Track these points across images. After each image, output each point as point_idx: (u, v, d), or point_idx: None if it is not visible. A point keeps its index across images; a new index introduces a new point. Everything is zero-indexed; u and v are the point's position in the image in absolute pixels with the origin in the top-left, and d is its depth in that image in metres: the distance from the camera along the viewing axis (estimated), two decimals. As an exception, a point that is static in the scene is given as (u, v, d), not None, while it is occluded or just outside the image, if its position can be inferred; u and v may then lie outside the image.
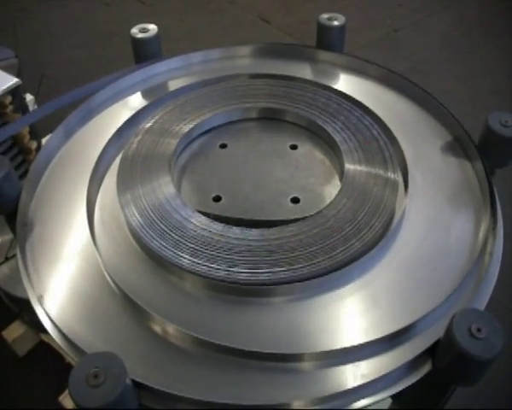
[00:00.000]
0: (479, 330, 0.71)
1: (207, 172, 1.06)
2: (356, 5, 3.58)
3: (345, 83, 1.27)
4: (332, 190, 1.02)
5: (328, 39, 1.31)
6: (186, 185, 1.03)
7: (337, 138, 1.08)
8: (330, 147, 1.10)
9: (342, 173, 1.02)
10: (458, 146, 1.10)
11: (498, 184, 1.01)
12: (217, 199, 1.00)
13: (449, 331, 0.72)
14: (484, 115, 1.02)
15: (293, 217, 0.96)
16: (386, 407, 1.13)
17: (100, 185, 1.05)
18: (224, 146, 1.12)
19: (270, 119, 1.17)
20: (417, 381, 0.76)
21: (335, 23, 1.29)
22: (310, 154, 1.10)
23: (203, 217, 0.93)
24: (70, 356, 0.78)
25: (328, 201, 0.99)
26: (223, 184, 1.03)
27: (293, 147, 1.12)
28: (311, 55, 1.33)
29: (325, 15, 1.30)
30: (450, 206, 0.99)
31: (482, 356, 0.69)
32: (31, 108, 1.77)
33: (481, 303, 0.84)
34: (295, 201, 1.00)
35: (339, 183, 1.03)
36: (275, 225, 0.93)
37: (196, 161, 1.09)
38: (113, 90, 1.23)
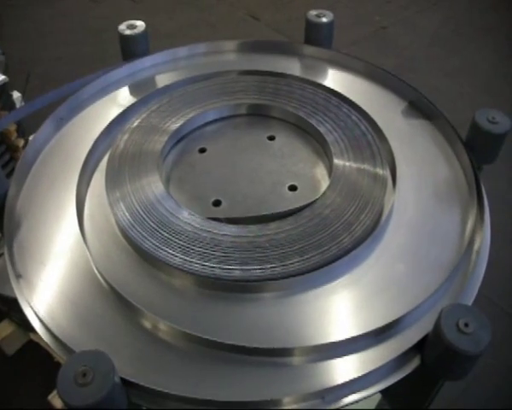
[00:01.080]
0: (466, 325, 0.71)
1: (198, 180, 1.04)
2: (344, 2, 3.59)
3: (310, 70, 1.29)
4: (323, 171, 1.05)
5: (316, 36, 1.31)
6: (181, 196, 1.00)
7: (312, 121, 1.10)
8: (307, 132, 1.12)
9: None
10: (446, 142, 1.10)
11: (486, 180, 1.02)
12: (216, 203, 0.99)
13: (437, 326, 0.72)
14: (472, 112, 1.03)
15: (297, 205, 0.96)
16: (376, 402, 1.14)
17: (89, 182, 1.04)
18: (203, 150, 1.10)
19: (241, 115, 1.17)
20: (406, 376, 0.77)
21: (324, 20, 1.29)
22: (289, 142, 1.12)
23: (192, 214, 0.93)
24: (58, 355, 0.78)
25: (322, 183, 1.01)
26: (217, 188, 1.02)
27: (271, 138, 1.13)
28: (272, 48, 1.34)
29: (313, 12, 1.30)
30: (437, 202, 0.99)
31: (470, 351, 0.70)
32: (18, 105, 1.76)
33: (469, 298, 0.84)
34: (293, 188, 1.01)
35: (327, 164, 1.06)
36: (289, 215, 0.94)
37: (182, 171, 1.06)
38: (101, 84, 1.23)
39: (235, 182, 1.03)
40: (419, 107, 1.17)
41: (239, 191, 1.01)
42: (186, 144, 1.12)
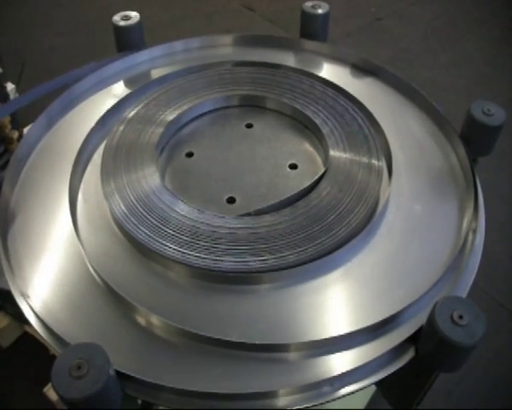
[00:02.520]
0: (461, 317, 0.71)
1: (201, 184, 1.01)
2: (340, -7, 3.57)
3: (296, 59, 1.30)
4: (312, 143, 1.08)
5: (311, 27, 1.31)
6: (191, 202, 0.95)
7: (285, 99, 1.13)
8: (283, 114, 1.14)
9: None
10: (442, 134, 1.10)
11: (481, 173, 1.02)
12: (231, 201, 0.97)
13: (431, 319, 0.72)
14: (467, 104, 1.03)
15: (308, 182, 0.97)
16: (370, 394, 1.14)
17: (83, 175, 1.03)
18: (190, 154, 1.08)
19: (212, 111, 1.17)
20: (401, 368, 0.77)
21: (319, 11, 1.29)
22: (269, 126, 1.13)
23: (187, 206, 0.93)
24: (53, 348, 0.77)
25: (317, 155, 1.05)
26: (224, 186, 1.00)
27: (249, 126, 1.13)
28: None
29: (309, 3, 1.30)
30: (433, 194, 0.99)
31: (464, 343, 0.70)
32: (12, 97, 1.75)
33: (463, 291, 0.85)
34: (294, 167, 1.03)
35: (313, 139, 1.09)
36: (309, 193, 0.95)
37: (180, 180, 1.03)
38: (95, 78, 1.22)
39: (237, 176, 1.02)
40: (415, 99, 1.18)
41: (246, 183, 1.01)
42: (169, 153, 1.09)
